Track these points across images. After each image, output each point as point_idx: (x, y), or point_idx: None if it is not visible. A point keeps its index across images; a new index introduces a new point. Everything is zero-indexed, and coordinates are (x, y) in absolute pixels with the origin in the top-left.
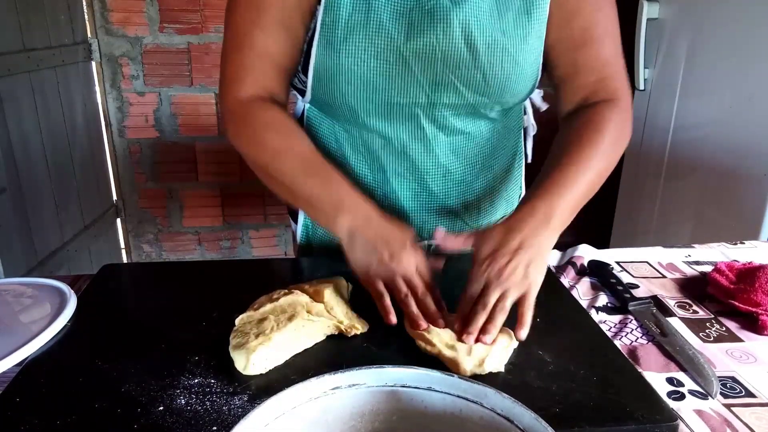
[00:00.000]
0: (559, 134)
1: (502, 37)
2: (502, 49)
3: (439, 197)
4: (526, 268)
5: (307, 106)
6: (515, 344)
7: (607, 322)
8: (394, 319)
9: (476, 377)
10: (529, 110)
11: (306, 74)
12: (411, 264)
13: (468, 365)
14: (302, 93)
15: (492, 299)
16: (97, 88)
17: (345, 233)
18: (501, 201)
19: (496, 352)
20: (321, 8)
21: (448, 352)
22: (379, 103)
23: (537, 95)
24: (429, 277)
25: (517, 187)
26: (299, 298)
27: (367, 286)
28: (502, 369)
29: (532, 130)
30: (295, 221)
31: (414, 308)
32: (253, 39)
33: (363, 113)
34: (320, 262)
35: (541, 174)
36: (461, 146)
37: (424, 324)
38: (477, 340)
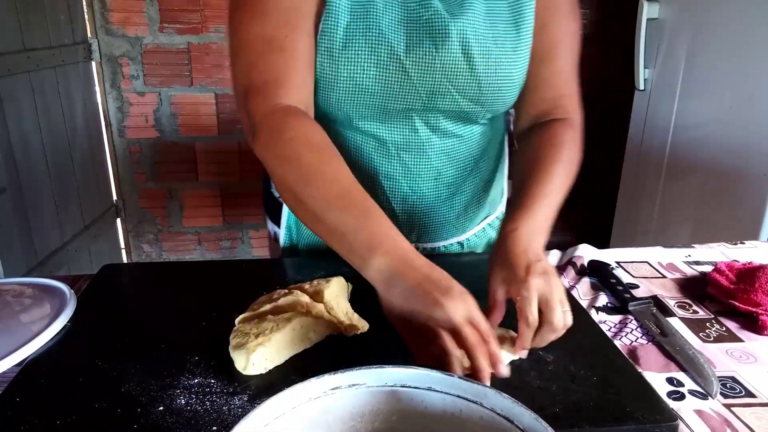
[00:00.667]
0: (519, 155)
1: (495, 48)
2: (496, 59)
3: (429, 199)
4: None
5: None
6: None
7: (607, 322)
8: (459, 371)
9: None
10: (512, 112)
11: None
12: (460, 310)
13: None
14: None
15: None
16: (97, 88)
17: (380, 277)
18: (485, 204)
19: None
20: (321, 18)
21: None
22: (376, 109)
23: None
24: (486, 324)
25: (500, 189)
26: (299, 298)
27: (409, 339)
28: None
29: (511, 126)
30: (275, 221)
31: (482, 362)
32: (296, 41)
33: (357, 117)
34: (320, 262)
35: (514, 196)
36: (453, 149)
37: (488, 380)
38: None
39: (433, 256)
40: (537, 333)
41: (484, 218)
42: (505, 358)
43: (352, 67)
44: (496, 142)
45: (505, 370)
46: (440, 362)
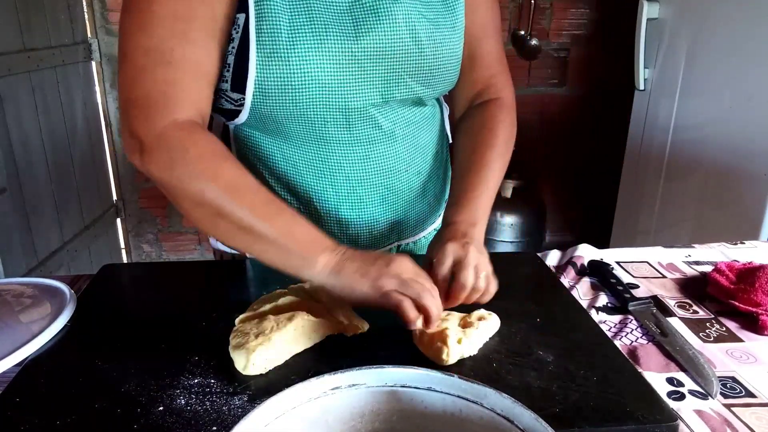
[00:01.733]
0: (457, 139)
1: (436, 29)
2: (440, 38)
3: (404, 192)
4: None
5: (233, 127)
6: (490, 331)
7: (607, 322)
8: (420, 324)
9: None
10: None
11: (239, 92)
12: (408, 265)
13: (454, 354)
14: (230, 114)
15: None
16: (97, 88)
17: (326, 273)
18: (439, 181)
19: (474, 337)
20: (251, 17)
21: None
22: (337, 108)
23: None
24: (426, 275)
25: (445, 164)
26: (299, 298)
27: (376, 301)
28: (475, 352)
29: (446, 110)
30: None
31: (432, 307)
32: (184, 53)
33: (320, 123)
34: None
35: (453, 183)
36: (415, 136)
37: (435, 324)
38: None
39: (416, 256)
40: (451, 294)
41: (444, 201)
42: (456, 347)
43: (304, 64)
44: (441, 120)
45: (452, 342)
46: (420, 310)
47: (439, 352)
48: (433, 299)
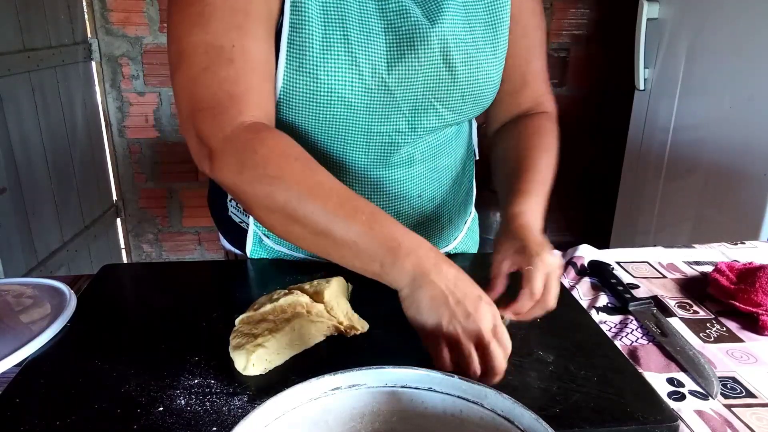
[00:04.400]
0: (505, 143)
1: (476, 52)
2: (477, 64)
3: (412, 217)
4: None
5: None
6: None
7: (608, 323)
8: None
9: None
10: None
11: None
12: (488, 321)
13: None
14: None
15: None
16: (97, 88)
17: (406, 279)
18: (455, 205)
19: None
20: (285, 25)
21: None
22: (359, 130)
23: None
24: (507, 334)
25: (468, 183)
26: (299, 298)
27: (430, 343)
28: None
29: (474, 124)
30: (225, 234)
31: (475, 368)
32: (245, 47)
33: (340, 141)
34: (321, 262)
35: (514, 178)
36: (434, 160)
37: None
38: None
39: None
40: (533, 310)
41: (464, 223)
42: None
43: (334, 81)
44: (467, 139)
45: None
46: (460, 366)
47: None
48: (503, 361)
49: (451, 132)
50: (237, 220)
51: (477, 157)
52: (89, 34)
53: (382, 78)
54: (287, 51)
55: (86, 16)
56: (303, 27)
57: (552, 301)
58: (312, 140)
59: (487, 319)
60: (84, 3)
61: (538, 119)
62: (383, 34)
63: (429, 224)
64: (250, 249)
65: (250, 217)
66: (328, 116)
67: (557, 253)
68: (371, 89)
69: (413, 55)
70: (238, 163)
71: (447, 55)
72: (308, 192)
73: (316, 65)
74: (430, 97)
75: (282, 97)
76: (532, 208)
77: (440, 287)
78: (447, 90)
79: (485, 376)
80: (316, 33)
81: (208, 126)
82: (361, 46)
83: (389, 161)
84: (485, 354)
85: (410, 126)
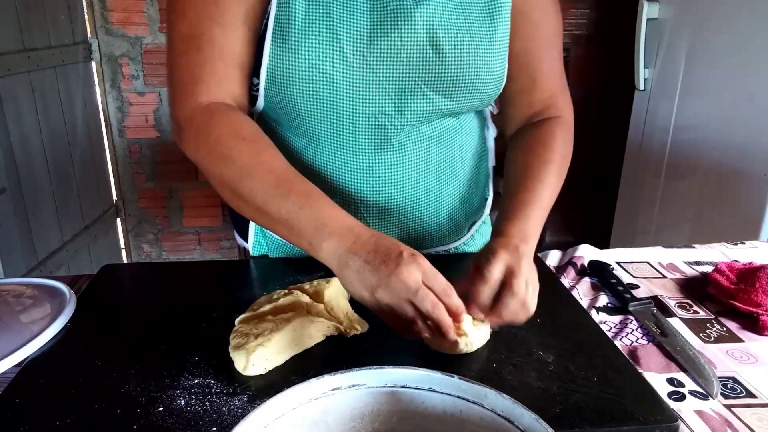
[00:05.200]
0: (511, 153)
1: (468, 37)
2: (469, 48)
3: (406, 209)
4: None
5: (256, 117)
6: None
7: (608, 323)
8: (428, 334)
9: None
10: (487, 111)
11: (257, 77)
12: (412, 275)
13: (463, 344)
14: (253, 100)
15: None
16: (97, 88)
17: (334, 260)
18: (471, 210)
19: (483, 329)
20: (273, 4)
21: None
22: (344, 110)
23: None
24: (441, 280)
25: (481, 191)
26: (299, 298)
27: (380, 315)
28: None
29: (493, 131)
30: (242, 235)
31: (444, 322)
32: (214, 37)
33: (326, 122)
34: (320, 262)
35: (506, 197)
36: (429, 152)
37: (453, 335)
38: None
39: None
40: (501, 301)
41: (471, 225)
42: (475, 332)
43: (314, 56)
44: (472, 140)
45: (468, 327)
46: (411, 331)
47: (455, 344)
48: (443, 313)
49: (450, 124)
50: None
51: (494, 163)
52: (89, 34)
53: (363, 54)
54: (273, 29)
55: (86, 16)
56: (288, 4)
57: (518, 289)
58: (300, 121)
59: (410, 274)
60: (84, 3)
61: (547, 126)
62: (368, 12)
63: (425, 218)
64: (253, 239)
65: None
66: (311, 92)
67: (526, 257)
68: (352, 65)
69: (395, 33)
70: (196, 142)
71: (433, 37)
72: (249, 171)
73: (298, 41)
74: (417, 79)
75: (269, 74)
76: (518, 234)
77: (361, 259)
78: (435, 73)
79: (440, 336)
80: (299, 9)
81: (175, 105)
82: (344, 21)
83: (379, 147)
84: (423, 311)
85: (397, 109)
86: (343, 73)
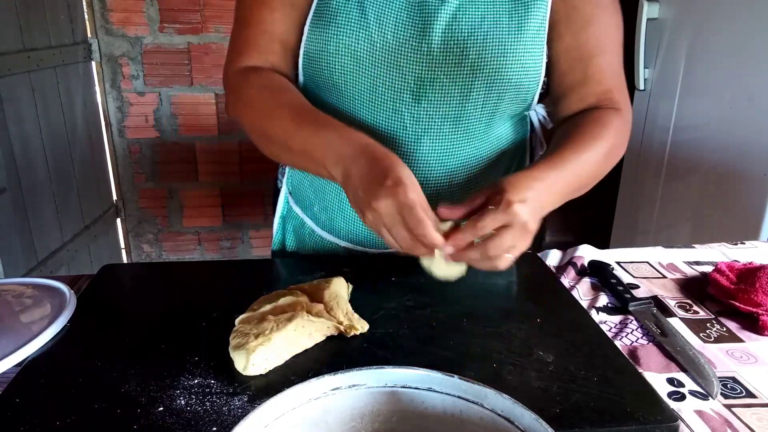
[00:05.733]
0: (559, 129)
1: (493, 28)
2: (492, 39)
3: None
4: (530, 221)
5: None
6: None
7: (608, 323)
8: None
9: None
10: (537, 128)
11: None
12: (389, 210)
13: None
14: (296, 77)
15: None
16: (97, 88)
17: (341, 175)
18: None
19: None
20: None
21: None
22: (365, 90)
23: (542, 109)
24: (415, 215)
25: None
26: (299, 298)
27: (377, 230)
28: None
29: (540, 150)
30: (275, 209)
31: (414, 252)
32: (261, 16)
33: (349, 98)
34: (320, 262)
35: (546, 153)
36: (449, 153)
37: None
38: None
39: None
40: (476, 246)
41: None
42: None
43: (341, 32)
44: (502, 155)
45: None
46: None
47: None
48: (413, 248)
49: (476, 128)
50: (279, 185)
51: None
52: (89, 34)
53: (386, 37)
54: (314, 10)
55: (86, 16)
56: None
57: (492, 250)
58: (330, 98)
59: (386, 206)
60: (84, 3)
61: (604, 112)
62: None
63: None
64: (277, 227)
65: (284, 180)
66: (337, 68)
67: (533, 219)
68: (375, 43)
69: (418, 27)
70: (233, 99)
71: (456, 30)
72: (272, 113)
73: (330, 18)
74: (436, 68)
75: (305, 50)
76: (542, 176)
77: (355, 183)
78: (455, 64)
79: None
80: None
81: (224, 72)
82: (374, 4)
83: (395, 136)
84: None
85: (415, 97)
86: (366, 49)
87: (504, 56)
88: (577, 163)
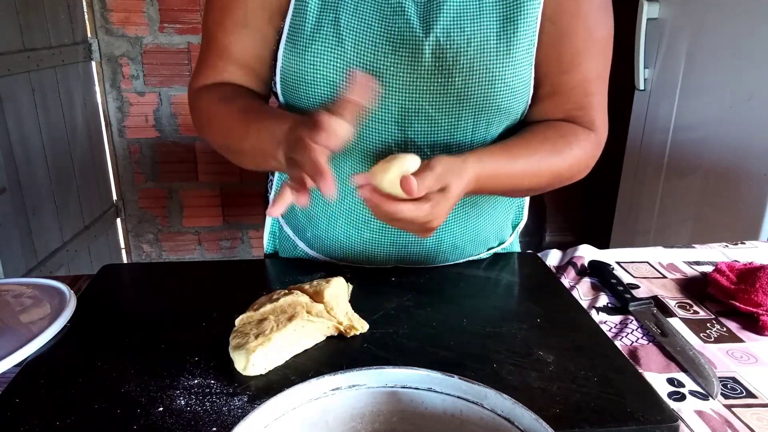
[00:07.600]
0: (528, 126)
1: (478, 56)
2: (479, 67)
3: (406, 234)
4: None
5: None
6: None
7: (608, 323)
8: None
9: None
10: None
11: (275, 76)
12: (300, 157)
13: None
14: (268, 94)
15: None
16: (97, 88)
17: (283, 157)
18: (484, 238)
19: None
20: (290, 8)
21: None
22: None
23: None
24: (309, 160)
25: (506, 221)
26: (299, 298)
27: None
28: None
29: None
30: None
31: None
32: (216, 38)
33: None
34: (320, 262)
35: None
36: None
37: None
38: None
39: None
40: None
41: (486, 250)
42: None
43: (318, 59)
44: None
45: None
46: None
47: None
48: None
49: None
50: (268, 194)
51: (525, 219)
52: (89, 34)
53: (365, 67)
54: (288, 31)
55: (86, 16)
56: (302, 10)
57: (408, 212)
58: None
59: (291, 172)
60: (84, 3)
61: (574, 127)
62: (377, 24)
63: (425, 241)
64: (268, 231)
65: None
66: (315, 96)
67: (457, 191)
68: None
69: (401, 53)
70: (194, 121)
71: (440, 60)
72: (224, 125)
73: (306, 44)
74: (420, 99)
75: (282, 75)
76: (484, 164)
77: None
78: (440, 93)
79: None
80: (311, 15)
81: (187, 93)
82: (351, 30)
83: (379, 157)
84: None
85: (399, 126)
86: (345, 78)
87: (492, 83)
88: (525, 164)
